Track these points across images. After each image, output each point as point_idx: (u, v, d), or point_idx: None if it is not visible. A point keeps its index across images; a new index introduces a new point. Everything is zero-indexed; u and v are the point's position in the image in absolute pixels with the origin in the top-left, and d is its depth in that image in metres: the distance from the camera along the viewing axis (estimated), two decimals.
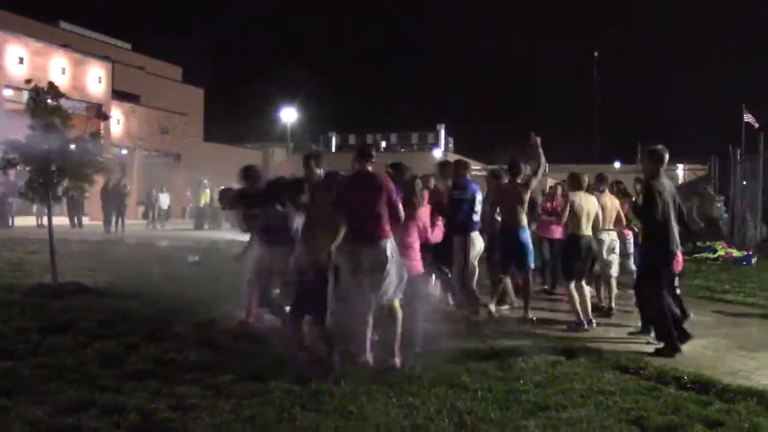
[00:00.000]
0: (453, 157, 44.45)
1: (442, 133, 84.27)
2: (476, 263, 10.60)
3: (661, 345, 8.73)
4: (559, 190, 13.79)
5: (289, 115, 52.97)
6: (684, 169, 63.90)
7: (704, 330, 9.96)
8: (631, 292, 10.37)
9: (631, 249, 11.99)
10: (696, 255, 20.40)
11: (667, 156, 8.85)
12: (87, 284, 12.33)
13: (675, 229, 8.78)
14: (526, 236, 10.83)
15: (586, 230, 10.31)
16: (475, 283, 9.94)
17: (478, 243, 10.19)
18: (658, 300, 8.77)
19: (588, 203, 10.41)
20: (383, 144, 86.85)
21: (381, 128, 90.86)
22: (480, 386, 6.89)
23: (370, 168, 7.84)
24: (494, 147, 79.14)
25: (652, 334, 9.18)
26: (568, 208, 10.27)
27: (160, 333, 8.78)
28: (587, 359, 8.09)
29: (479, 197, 10.53)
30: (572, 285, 10.21)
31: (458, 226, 9.95)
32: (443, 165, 11.33)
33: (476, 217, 10.31)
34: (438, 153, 73.33)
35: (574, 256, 10.28)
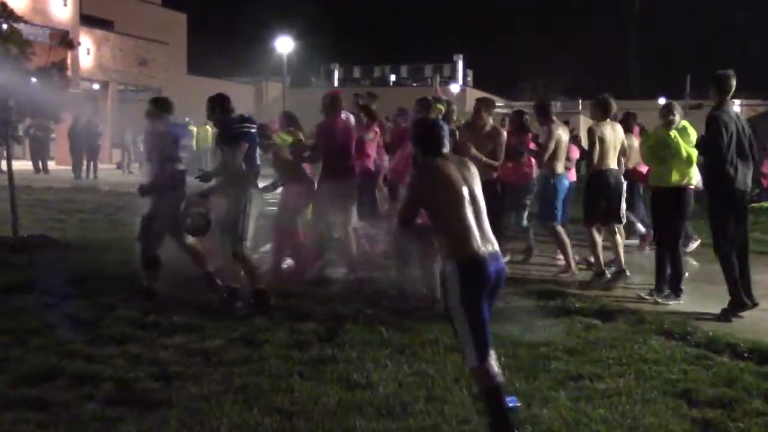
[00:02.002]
0: (471, 93, 43.91)
1: (460, 64, 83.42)
2: None
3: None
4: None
5: (285, 44, 52.50)
6: (741, 105, 63.33)
7: (764, 291, 9.90)
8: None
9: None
10: (754, 204, 20.21)
11: (734, 82, 8.71)
12: (54, 237, 12.35)
13: (744, 165, 8.69)
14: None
15: (613, 164, 10.27)
16: None
17: None
18: (724, 249, 8.73)
19: (616, 134, 10.35)
20: (392, 78, 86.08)
21: (390, 59, 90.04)
22: (503, 352, 6.86)
23: (343, 116, 10.22)
24: (519, 81, 78.49)
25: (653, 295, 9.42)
26: (597, 142, 10.13)
27: (139, 292, 8.80)
28: (626, 323, 8.09)
29: None
30: (594, 227, 10.27)
31: None
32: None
33: None
34: (455, 88, 72.82)
35: (601, 194, 10.22)
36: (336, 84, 77.56)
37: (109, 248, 11.72)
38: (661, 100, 68.30)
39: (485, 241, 5.01)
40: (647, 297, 9.41)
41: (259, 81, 63.56)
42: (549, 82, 76.81)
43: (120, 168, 35.56)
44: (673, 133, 9.28)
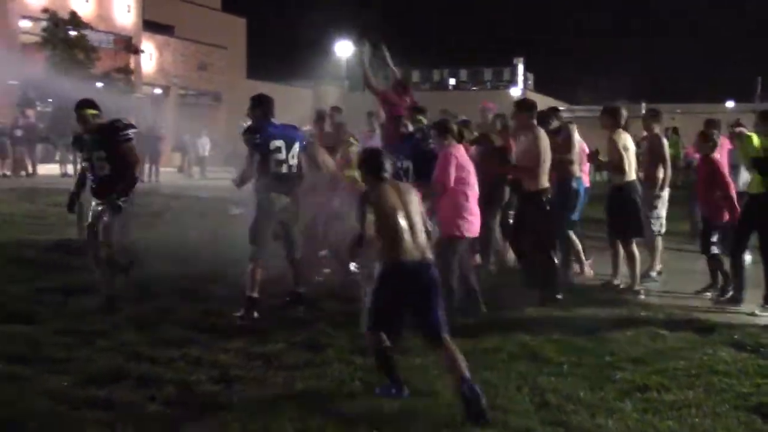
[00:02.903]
0: (532, 96, 43.54)
1: (520, 68, 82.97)
2: None
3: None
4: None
5: (344, 48, 52.79)
6: None
7: None
8: None
9: None
10: None
11: None
12: None
13: None
14: None
15: (633, 174, 10.10)
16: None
17: None
18: None
19: (631, 143, 10.17)
20: (451, 81, 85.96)
21: (449, 62, 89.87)
22: (567, 361, 6.83)
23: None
24: (580, 84, 77.74)
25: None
26: (623, 153, 9.94)
27: (199, 295, 8.91)
28: (694, 333, 7.94)
29: None
30: (633, 243, 10.02)
31: None
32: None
33: None
34: (515, 91, 72.40)
35: (633, 207, 10.04)
36: None
37: (171, 251, 11.81)
38: (729, 104, 67.20)
39: (415, 250, 5.96)
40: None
41: (318, 85, 63.87)
42: (611, 85, 76.03)
43: (181, 171, 35.89)
44: (753, 138, 9.14)
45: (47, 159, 31.29)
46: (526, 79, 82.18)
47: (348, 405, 5.72)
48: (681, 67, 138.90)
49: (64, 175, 27.05)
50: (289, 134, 8.64)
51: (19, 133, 28.46)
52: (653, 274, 10.86)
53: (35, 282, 9.37)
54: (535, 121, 9.65)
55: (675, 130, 28.65)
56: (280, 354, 6.89)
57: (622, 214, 10.04)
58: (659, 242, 10.92)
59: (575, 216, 10.65)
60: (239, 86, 50.01)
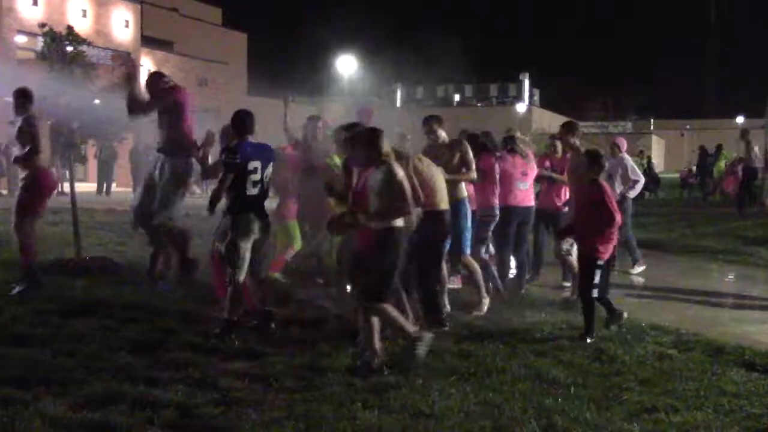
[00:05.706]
0: (538, 112, 43.15)
1: (526, 84, 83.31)
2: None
3: None
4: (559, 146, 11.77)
5: (347, 64, 53.01)
6: None
7: None
8: None
9: None
10: None
11: None
12: (115, 260, 12.52)
13: None
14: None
15: None
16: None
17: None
18: None
19: None
20: (456, 97, 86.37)
21: (454, 79, 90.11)
22: (573, 382, 6.84)
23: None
24: (586, 99, 77.74)
25: None
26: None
27: (199, 316, 8.92)
28: (704, 353, 7.95)
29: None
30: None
31: None
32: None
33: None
34: (521, 107, 72.56)
35: None
36: (398, 104, 77.83)
37: (171, 272, 11.83)
38: (740, 119, 67.24)
39: None
40: None
41: (321, 101, 64.05)
42: (619, 101, 76.08)
43: None
44: None
45: None
46: (531, 95, 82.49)
47: (349, 427, 5.73)
48: (690, 81, 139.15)
49: (60, 193, 27.07)
50: (264, 154, 8.66)
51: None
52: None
53: (34, 303, 9.36)
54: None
55: (719, 147, 29.23)
56: (280, 376, 6.90)
57: None
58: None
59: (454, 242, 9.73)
60: (240, 102, 50.19)
